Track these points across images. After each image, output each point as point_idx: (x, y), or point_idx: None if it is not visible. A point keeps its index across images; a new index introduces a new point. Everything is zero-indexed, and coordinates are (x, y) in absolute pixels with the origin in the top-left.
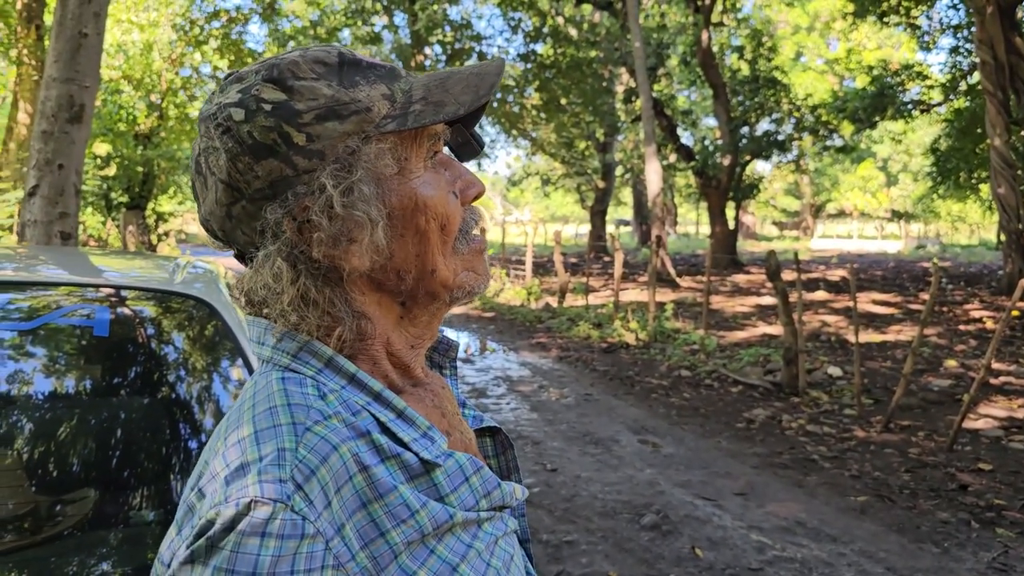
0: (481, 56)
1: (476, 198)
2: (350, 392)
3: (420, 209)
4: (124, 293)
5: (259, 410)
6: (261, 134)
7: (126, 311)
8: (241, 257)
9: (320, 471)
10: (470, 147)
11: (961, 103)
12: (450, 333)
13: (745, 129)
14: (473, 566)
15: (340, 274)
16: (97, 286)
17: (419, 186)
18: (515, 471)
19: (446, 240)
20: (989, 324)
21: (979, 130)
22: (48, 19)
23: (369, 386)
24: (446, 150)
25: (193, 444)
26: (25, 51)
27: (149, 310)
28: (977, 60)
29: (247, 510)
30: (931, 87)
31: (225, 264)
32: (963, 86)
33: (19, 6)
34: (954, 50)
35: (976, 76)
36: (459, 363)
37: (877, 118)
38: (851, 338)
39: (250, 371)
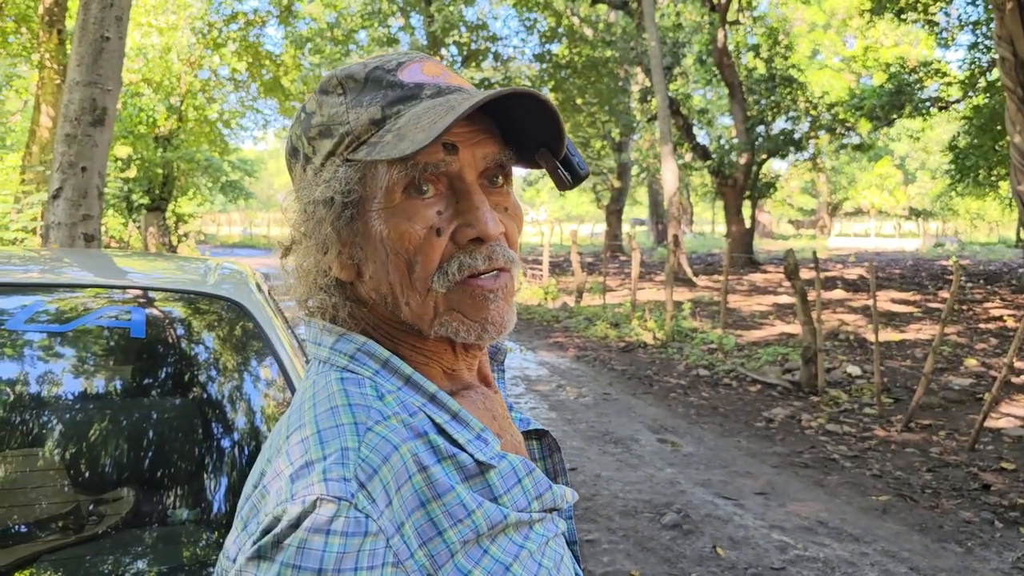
0: (496, 57)
1: (475, 240)
2: (406, 393)
3: (381, 240)
4: (157, 295)
5: (320, 410)
6: (295, 140)
7: (160, 313)
8: None
9: (382, 470)
10: (557, 176)
11: (980, 100)
12: None
13: (761, 127)
14: (525, 566)
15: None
16: (131, 288)
17: (385, 217)
18: (562, 474)
19: (415, 277)
20: (1010, 322)
21: (998, 127)
22: (70, 24)
23: (424, 388)
24: (529, 175)
25: (227, 444)
26: (47, 55)
27: (182, 311)
28: (996, 56)
29: (312, 507)
30: (949, 84)
31: (253, 265)
32: (982, 83)
33: (41, 11)
34: (973, 46)
35: (995, 72)
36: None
37: (895, 116)
38: (870, 337)
39: (282, 371)
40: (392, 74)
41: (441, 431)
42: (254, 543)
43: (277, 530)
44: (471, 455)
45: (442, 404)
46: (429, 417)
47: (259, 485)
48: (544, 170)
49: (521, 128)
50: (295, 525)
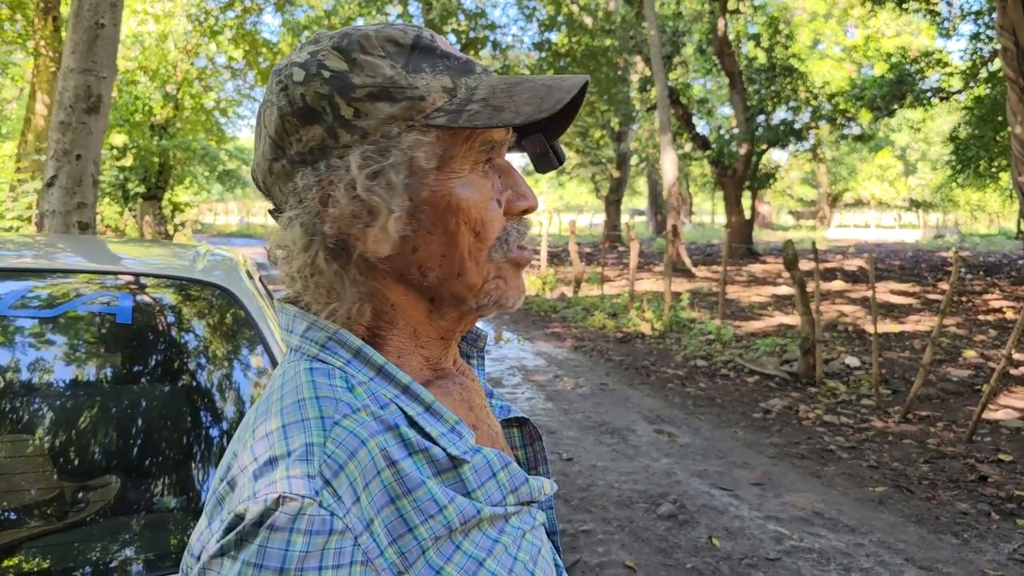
0: (495, 45)
1: (525, 212)
2: (378, 384)
3: (452, 210)
4: (145, 281)
5: (287, 402)
6: (313, 99)
7: (148, 299)
8: (276, 212)
9: (348, 466)
10: (547, 160)
11: (981, 90)
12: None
13: (761, 118)
14: (500, 561)
15: (351, 253)
16: (118, 274)
17: (457, 187)
18: (543, 462)
19: (480, 247)
20: (1009, 314)
21: (1000, 118)
22: (65, 10)
23: (397, 378)
24: (519, 158)
25: (214, 432)
26: (42, 42)
27: (170, 298)
28: (998, 47)
29: (276, 505)
30: (951, 74)
31: (244, 252)
32: (984, 73)
33: None
34: (974, 36)
35: (997, 63)
36: None
37: (895, 106)
38: (869, 328)
39: (271, 359)
40: (432, 42)
41: (413, 424)
42: (217, 541)
43: (240, 528)
44: (444, 449)
45: (415, 395)
46: (401, 409)
47: (225, 479)
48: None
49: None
50: (258, 523)
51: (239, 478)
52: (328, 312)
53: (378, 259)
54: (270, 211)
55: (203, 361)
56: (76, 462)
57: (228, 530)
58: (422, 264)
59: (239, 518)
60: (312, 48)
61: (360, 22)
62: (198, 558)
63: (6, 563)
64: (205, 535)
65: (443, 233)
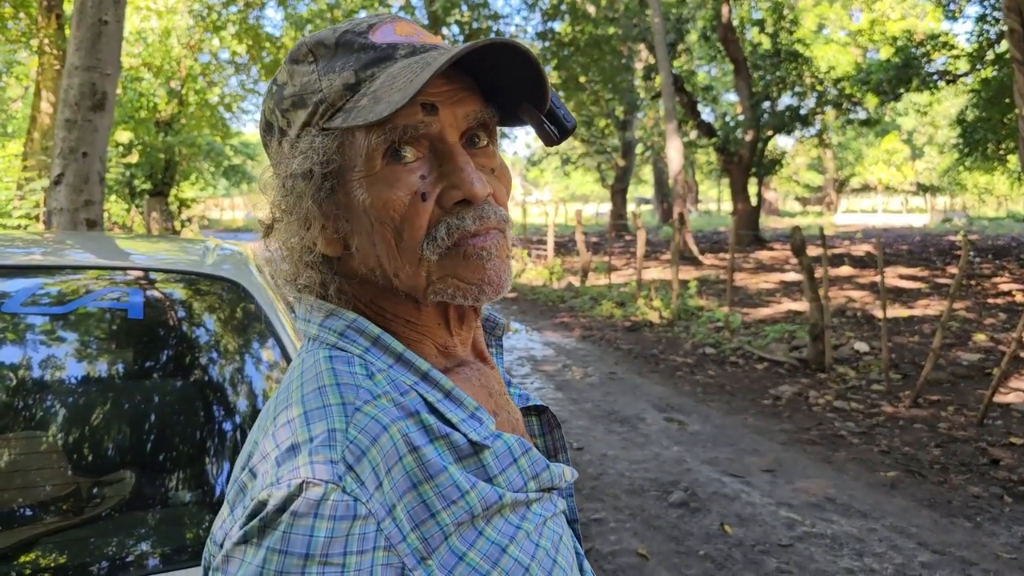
0: (499, 36)
1: (462, 202)
2: (398, 371)
3: (365, 211)
4: (156, 276)
5: (308, 389)
6: (268, 113)
7: (159, 294)
8: None
9: (371, 452)
10: (545, 134)
11: (988, 73)
12: None
13: (767, 104)
14: (522, 547)
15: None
16: (128, 269)
17: (365, 186)
18: (563, 451)
19: (406, 246)
20: (1019, 297)
21: (1007, 100)
22: (68, 8)
23: (417, 365)
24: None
25: (227, 426)
26: (46, 40)
27: (181, 293)
28: (1005, 28)
29: (299, 491)
30: (957, 57)
31: (252, 247)
32: (990, 55)
33: None
34: (981, 18)
35: (1003, 45)
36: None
37: (902, 90)
38: (878, 313)
39: (283, 352)
40: (363, 36)
41: (433, 410)
42: (240, 528)
43: (263, 514)
44: (464, 435)
45: (435, 382)
46: (421, 396)
47: (246, 467)
48: (531, 128)
49: (502, 84)
50: (281, 509)
51: (261, 465)
52: (352, 307)
53: (337, 260)
54: None
55: (215, 355)
56: (91, 458)
57: (251, 517)
58: (369, 266)
59: (262, 504)
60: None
61: (363, 15)
62: (221, 545)
63: (24, 559)
64: (228, 522)
65: (368, 236)
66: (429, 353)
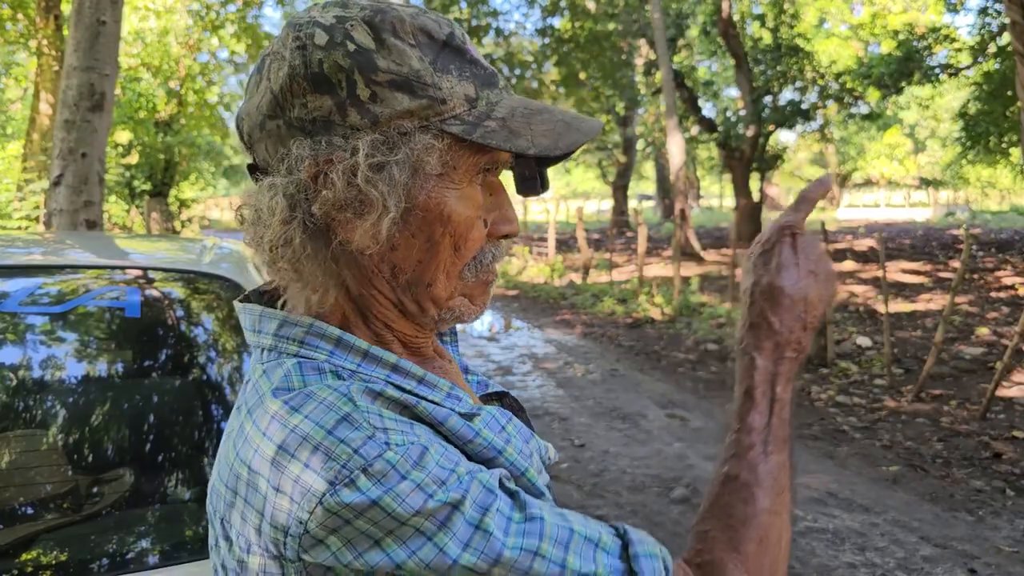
0: (498, 32)
1: (506, 237)
2: (367, 368)
3: (442, 219)
4: (153, 275)
5: (292, 397)
6: (331, 68)
7: (156, 293)
8: (253, 169)
9: (386, 413)
10: (532, 184)
11: (990, 65)
12: None
13: (768, 99)
14: (519, 429)
15: (330, 238)
16: (126, 268)
17: (452, 197)
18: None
19: (456, 262)
20: (1021, 291)
21: (1009, 93)
22: (66, 8)
23: (385, 359)
24: (509, 177)
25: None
26: (44, 41)
27: (179, 291)
28: (1007, 20)
29: (363, 475)
30: (959, 50)
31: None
32: (992, 48)
33: None
34: (983, 11)
35: (1006, 37)
36: (484, 341)
37: (903, 83)
38: (880, 308)
39: None
40: (464, 44)
41: (412, 395)
42: (319, 497)
43: (350, 464)
44: (451, 410)
45: (406, 371)
46: (397, 387)
47: (261, 512)
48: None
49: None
50: (363, 466)
51: (287, 471)
52: (292, 293)
53: (358, 251)
54: (248, 166)
55: (212, 354)
56: (90, 456)
57: (332, 483)
58: (397, 264)
59: (343, 471)
60: (339, 13)
61: None
62: (299, 519)
63: (24, 556)
64: (281, 502)
65: (426, 240)
66: (395, 351)
